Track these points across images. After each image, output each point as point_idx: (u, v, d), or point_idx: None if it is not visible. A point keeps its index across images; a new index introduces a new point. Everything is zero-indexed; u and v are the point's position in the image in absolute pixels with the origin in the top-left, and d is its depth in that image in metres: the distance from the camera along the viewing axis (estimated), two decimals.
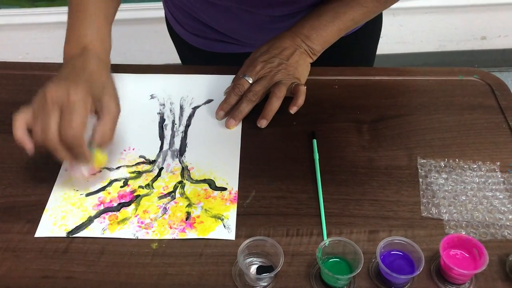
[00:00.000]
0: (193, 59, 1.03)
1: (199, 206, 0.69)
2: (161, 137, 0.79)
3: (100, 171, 0.72)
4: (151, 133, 0.79)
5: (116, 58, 0.81)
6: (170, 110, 0.83)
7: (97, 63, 0.71)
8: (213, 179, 0.72)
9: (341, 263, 0.61)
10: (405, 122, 0.81)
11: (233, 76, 0.83)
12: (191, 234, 0.66)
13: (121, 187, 0.71)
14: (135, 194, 0.71)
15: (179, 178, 0.73)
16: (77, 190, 0.71)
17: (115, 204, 0.69)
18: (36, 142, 0.64)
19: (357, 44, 0.99)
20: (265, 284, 0.60)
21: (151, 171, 0.74)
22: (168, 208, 0.69)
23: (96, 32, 0.73)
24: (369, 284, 0.61)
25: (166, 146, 0.77)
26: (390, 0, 0.83)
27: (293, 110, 0.78)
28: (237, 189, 0.71)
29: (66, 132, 0.62)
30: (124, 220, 0.67)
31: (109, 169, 0.73)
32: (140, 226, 0.67)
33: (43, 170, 0.68)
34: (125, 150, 0.77)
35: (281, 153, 0.76)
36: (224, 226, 0.66)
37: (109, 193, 0.71)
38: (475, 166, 0.73)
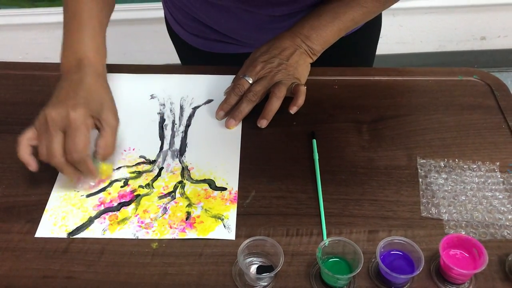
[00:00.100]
0: (192, 60, 1.03)
1: (199, 206, 0.69)
2: (161, 137, 0.79)
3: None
4: (151, 133, 0.79)
5: (116, 58, 0.81)
6: (170, 110, 0.83)
7: (93, 78, 0.72)
8: (213, 179, 0.72)
9: (341, 263, 0.61)
10: (405, 122, 0.81)
11: (233, 76, 0.83)
12: (191, 234, 0.66)
13: (121, 187, 0.72)
14: (135, 193, 0.71)
15: (179, 178, 0.73)
16: (78, 191, 0.71)
17: (115, 204, 0.69)
18: (42, 161, 0.67)
19: (357, 44, 0.99)
20: (265, 284, 0.61)
21: (151, 171, 0.74)
22: (168, 208, 0.69)
23: (91, 41, 0.75)
24: (369, 284, 0.61)
25: (166, 146, 0.77)
26: (390, 0, 0.83)
27: (293, 110, 0.79)
28: (237, 189, 0.71)
29: (71, 154, 0.66)
30: (124, 219, 0.67)
31: None
32: (140, 226, 0.67)
33: (43, 170, 0.68)
34: (125, 150, 0.77)
35: (281, 153, 0.76)
36: (224, 226, 0.66)
37: (109, 193, 0.71)
38: (475, 166, 0.73)
